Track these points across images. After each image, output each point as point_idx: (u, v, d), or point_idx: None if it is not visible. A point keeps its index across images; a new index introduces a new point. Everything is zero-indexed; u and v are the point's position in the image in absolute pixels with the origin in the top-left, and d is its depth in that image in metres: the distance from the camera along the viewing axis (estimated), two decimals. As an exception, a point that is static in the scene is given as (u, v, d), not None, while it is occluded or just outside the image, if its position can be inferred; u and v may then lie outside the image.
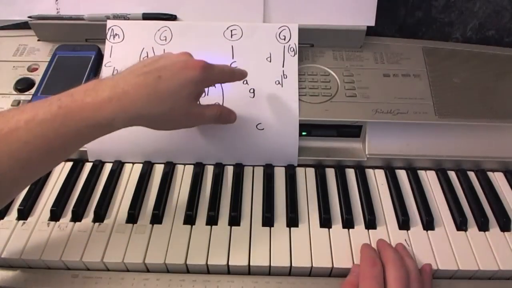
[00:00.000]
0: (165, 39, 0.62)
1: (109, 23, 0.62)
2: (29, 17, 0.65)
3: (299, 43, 0.62)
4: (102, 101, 0.41)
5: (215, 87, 0.59)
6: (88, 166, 0.59)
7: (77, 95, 0.41)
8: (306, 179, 0.58)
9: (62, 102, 0.40)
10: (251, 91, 0.59)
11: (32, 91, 0.60)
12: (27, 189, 0.55)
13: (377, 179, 0.58)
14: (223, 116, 0.54)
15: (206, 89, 0.59)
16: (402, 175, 0.59)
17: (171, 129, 0.51)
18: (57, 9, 0.65)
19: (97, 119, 0.41)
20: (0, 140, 0.38)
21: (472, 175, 0.59)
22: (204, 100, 0.59)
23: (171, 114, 0.46)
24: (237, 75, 0.54)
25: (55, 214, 0.52)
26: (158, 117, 0.46)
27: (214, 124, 0.54)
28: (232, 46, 0.61)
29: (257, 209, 0.54)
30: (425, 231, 0.52)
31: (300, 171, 0.58)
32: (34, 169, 0.41)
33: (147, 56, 0.61)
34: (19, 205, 0.53)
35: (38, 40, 0.67)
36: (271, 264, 0.48)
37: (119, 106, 0.42)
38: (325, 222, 0.52)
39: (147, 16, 0.63)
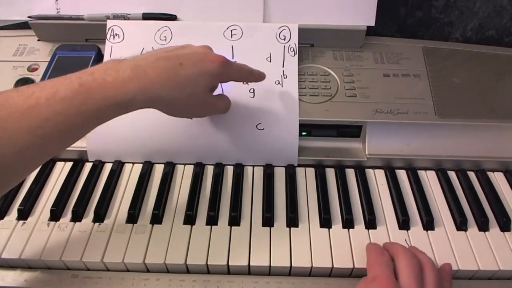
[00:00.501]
0: (165, 39, 0.62)
1: (109, 23, 0.62)
2: (29, 17, 0.65)
3: (299, 43, 0.62)
4: (123, 80, 0.41)
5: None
6: (88, 166, 0.59)
7: (98, 74, 0.41)
8: (306, 179, 0.58)
9: (83, 80, 0.40)
10: (251, 91, 0.59)
11: (32, 91, 0.60)
12: (27, 189, 0.55)
13: (377, 179, 0.58)
14: (225, 110, 0.55)
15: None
16: (402, 175, 0.59)
17: (184, 116, 0.52)
18: (57, 9, 0.65)
19: (118, 98, 0.41)
20: (20, 116, 0.37)
21: (472, 175, 0.59)
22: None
23: (187, 101, 0.47)
24: (255, 75, 0.54)
25: (55, 214, 0.52)
26: (175, 102, 0.46)
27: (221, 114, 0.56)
28: (232, 46, 0.61)
29: (257, 209, 0.54)
30: (425, 231, 0.52)
31: (300, 171, 0.58)
32: (52, 146, 0.41)
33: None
34: (19, 205, 0.53)
35: (38, 40, 0.67)
36: (271, 264, 0.48)
37: (140, 87, 0.42)
38: (325, 222, 0.52)
39: (147, 16, 0.63)
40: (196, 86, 0.46)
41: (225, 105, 0.54)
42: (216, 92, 0.59)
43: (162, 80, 0.44)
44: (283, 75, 0.60)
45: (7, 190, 0.41)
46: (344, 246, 0.50)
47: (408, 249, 0.46)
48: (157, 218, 0.52)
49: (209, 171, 0.58)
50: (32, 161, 0.40)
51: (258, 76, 0.55)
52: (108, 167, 0.59)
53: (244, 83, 0.59)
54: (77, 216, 0.52)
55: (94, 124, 0.43)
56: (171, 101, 0.46)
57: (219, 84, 0.59)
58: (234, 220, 0.52)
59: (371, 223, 0.52)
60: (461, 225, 0.52)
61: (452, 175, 0.59)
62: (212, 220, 0.52)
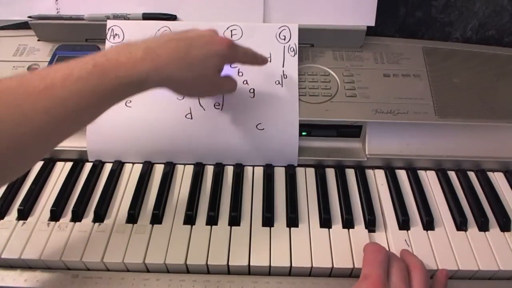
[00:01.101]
0: (165, 39, 0.62)
1: (109, 23, 0.62)
2: (29, 17, 0.65)
3: (299, 43, 0.62)
4: (136, 60, 0.42)
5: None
6: (88, 166, 0.59)
7: (111, 55, 0.42)
8: (306, 179, 0.58)
9: (97, 61, 0.41)
10: (251, 91, 0.59)
11: (32, 91, 0.60)
12: (27, 189, 0.55)
13: (377, 179, 0.58)
14: (231, 90, 0.57)
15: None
16: (402, 175, 0.59)
17: (193, 95, 0.54)
18: (57, 9, 0.65)
19: (132, 78, 0.42)
20: (36, 97, 0.38)
21: (472, 175, 0.59)
22: (203, 100, 0.59)
23: (197, 81, 0.49)
24: (259, 60, 0.56)
25: (55, 214, 0.52)
26: (185, 81, 0.48)
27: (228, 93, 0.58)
28: (232, 46, 0.61)
29: (257, 209, 0.54)
30: (425, 231, 0.52)
31: (300, 171, 0.58)
32: (69, 126, 0.41)
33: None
34: (19, 205, 0.53)
35: (38, 40, 0.67)
36: (271, 264, 0.48)
37: (153, 66, 0.43)
38: (325, 222, 0.52)
39: (147, 16, 0.63)
40: (205, 67, 0.48)
41: (231, 86, 0.56)
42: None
43: (173, 60, 0.45)
44: (283, 75, 0.60)
45: (23, 172, 0.41)
46: (344, 246, 0.50)
47: (422, 263, 0.47)
48: (157, 218, 0.52)
49: (209, 171, 0.58)
50: (49, 141, 0.41)
51: (261, 61, 0.56)
52: (108, 167, 0.59)
53: (244, 83, 0.59)
54: (77, 216, 0.52)
55: (109, 104, 0.43)
56: (181, 81, 0.47)
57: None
58: (234, 220, 0.52)
59: (371, 223, 0.52)
60: (461, 225, 0.52)
61: (452, 175, 0.59)
62: (212, 220, 0.52)
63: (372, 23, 0.63)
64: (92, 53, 0.43)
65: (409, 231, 0.52)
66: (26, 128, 0.37)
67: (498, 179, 0.59)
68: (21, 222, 0.52)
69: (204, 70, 0.48)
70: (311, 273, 0.49)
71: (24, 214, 0.52)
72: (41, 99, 0.38)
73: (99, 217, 0.52)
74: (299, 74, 0.61)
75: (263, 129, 0.58)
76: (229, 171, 0.58)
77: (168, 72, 0.45)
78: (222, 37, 0.50)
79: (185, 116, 0.58)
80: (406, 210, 0.53)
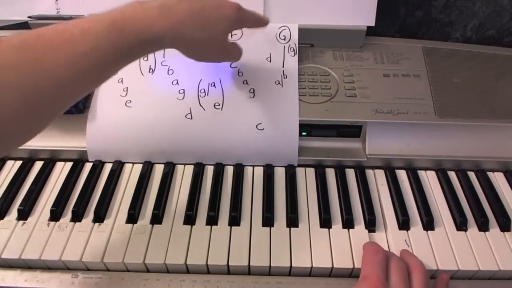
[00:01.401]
0: (165, 39, 0.62)
1: (109, 23, 0.62)
2: (29, 17, 0.65)
3: (299, 43, 0.62)
4: (153, 18, 0.42)
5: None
6: (88, 166, 0.59)
7: (128, 12, 0.42)
8: (306, 179, 0.58)
9: (114, 17, 0.41)
10: (251, 91, 0.59)
11: (32, 91, 0.60)
12: (27, 189, 0.55)
13: (377, 179, 0.58)
14: (238, 57, 0.57)
15: (206, 89, 0.59)
16: (402, 175, 0.59)
17: (202, 59, 0.54)
18: (57, 9, 0.65)
19: (149, 35, 0.42)
20: (57, 51, 0.37)
21: (472, 175, 0.59)
22: (203, 101, 0.59)
23: (208, 43, 0.49)
24: (262, 22, 0.56)
25: (55, 214, 0.52)
26: (197, 43, 0.48)
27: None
28: (232, 46, 0.61)
29: (257, 209, 0.54)
30: (425, 231, 0.52)
31: (300, 171, 0.58)
32: (88, 81, 0.41)
33: (147, 57, 0.61)
34: (19, 205, 0.53)
35: (38, 40, 0.67)
36: (271, 264, 0.48)
37: (168, 24, 0.44)
38: (325, 222, 0.52)
39: (147, 16, 0.63)
40: (217, 29, 0.48)
41: (238, 53, 0.56)
42: (216, 93, 0.59)
43: (187, 20, 0.45)
44: (283, 75, 0.60)
45: (43, 128, 0.40)
46: (344, 246, 0.50)
47: (422, 263, 0.47)
48: (157, 218, 0.52)
49: (209, 171, 0.58)
50: (70, 96, 0.40)
51: (264, 22, 0.56)
52: (108, 167, 0.59)
53: (244, 83, 0.59)
54: (77, 216, 0.52)
55: (126, 61, 0.43)
56: (194, 42, 0.48)
57: (219, 81, 0.59)
58: (234, 220, 0.52)
59: (371, 223, 0.52)
60: (461, 225, 0.52)
61: (452, 175, 0.59)
62: (212, 220, 0.52)
63: (372, 23, 0.63)
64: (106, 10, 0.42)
65: (409, 231, 0.52)
66: (48, 82, 0.37)
67: (498, 179, 0.59)
68: (21, 222, 0.52)
69: (216, 32, 0.48)
70: (311, 273, 0.49)
71: (24, 214, 0.52)
72: (62, 54, 0.37)
73: (99, 217, 0.52)
74: (299, 74, 0.61)
75: (263, 129, 0.58)
76: (229, 171, 0.58)
77: (182, 31, 0.45)
78: (231, 1, 0.50)
79: (185, 116, 0.58)
80: (406, 210, 0.53)
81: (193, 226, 0.51)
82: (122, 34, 0.41)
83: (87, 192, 0.55)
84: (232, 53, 0.56)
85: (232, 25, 0.51)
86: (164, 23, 0.43)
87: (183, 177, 0.57)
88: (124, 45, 0.41)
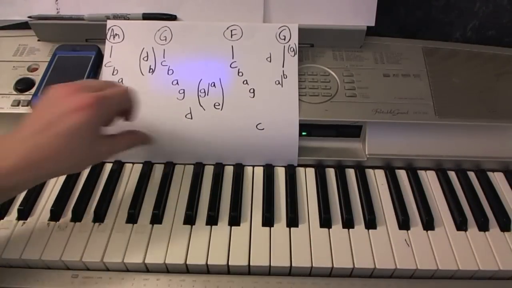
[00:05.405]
0: (165, 39, 0.62)
1: (109, 23, 0.62)
2: (29, 17, 0.65)
3: (299, 43, 0.62)
4: (6, 171, 0.40)
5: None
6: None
7: None
8: (306, 179, 0.58)
9: None
10: (251, 91, 0.59)
11: (32, 91, 0.60)
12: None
13: (377, 179, 0.58)
14: (137, 143, 0.53)
15: (206, 89, 0.59)
16: (402, 175, 0.59)
17: (82, 169, 0.51)
18: (57, 9, 0.65)
19: (2, 186, 0.41)
20: None
21: (472, 175, 0.59)
22: (203, 100, 0.59)
23: (82, 163, 0.46)
24: (132, 101, 0.50)
25: (55, 214, 0.52)
26: (69, 170, 0.47)
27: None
28: (232, 46, 0.61)
29: (257, 209, 0.54)
30: (425, 231, 0.52)
31: (300, 171, 0.58)
32: None
33: (147, 57, 0.61)
34: (19, 205, 0.53)
35: (38, 40, 0.67)
36: (271, 264, 0.48)
37: (24, 173, 0.41)
38: (325, 222, 0.52)
39: (147, 16, 0.63)
40: (80, 151, 0.44)
41: (126, 145, 0.51)
42: (216, 93, 0.59)
43: (45, 161, 0.42)
44: (283, 75, 0.60)
45: None
46: (344, 246, 0.50)
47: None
48: (157, 218, 0.52)
49: (209, 171, 0.58)
50: None
51: (135, 110, 0.51)
52: (108, 167, 0.58)
53: (244, 83, 0.59)
54: (77, 216, 0.52)
55: None
56: (63, 173, 0.47)
57: (219, 81, 0.59)
58: (234, 220, 0.52)
59: (371, 223, 0.52)
60: (461, 225, 0.52)
61: (452, 175, 0.59)
62: (212, 220, 0.52)
63: (372, 23, 0.63)
64: None
65: (409, 231, 0.52)
66: None
67: (498, 179, 0.59)
68: (21, 222, 0.52)
69: (80, 153, 0.44)
70: (311, 273, 0.49)
71: (24, 214, 0.52)
72: None
73: (99, 217, 0.52)
74: (299, 74, 0.61)
75: (263, 129, 0.58)
76: (229, 171, 0.58)
77: (40, 176, 0.43)
78: (81, 98, 0.43)
79: (185, 116, 0.58)
80: (406, 210, 0.53)
81: (193, 226, 0.51)
82: None
83: (87, 192, 0.55)
84: (115, 149, 0.50)
85: (93, 128, 0.44)
86: (17, 176, 0.41)
87: (183, 177, 0.57)
88: None
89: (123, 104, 0.49)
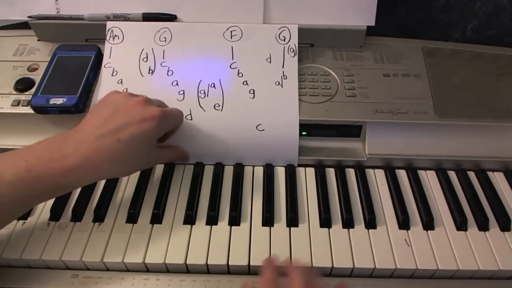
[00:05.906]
0: (165, 40, 0.62)
1: (109, 24, 0.62)
2: (29, 17, 0.65)
3: (299, 43, 0.62)
4: (68, 168, 0.43)
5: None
6: (88, 166, 0.59)
7: (43, 158, 0.43)
8: (306, 179, 0.58)
9: (29, 164, 0.42)
10: (251, 91, 0.59)
11: (32, 91, 0.60)
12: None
13: (377, 179, 0.58)
14: (179, 158, 0.58)
15: (206, 90, 0.59)
16: (402, 175, 0.59)
17: (134, 172, 0.54)
18: (57, 9, 0.65)
19: (63, 183, 0.44)
20: None
21: (472, 175, 0.59)
22: (203, 101, 0.59)
23: (134, 168, 0.52)
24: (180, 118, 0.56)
25: (55, 214, 0.52)
26: (122, 174, 0.52)
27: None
28: (232, 47, 0.61)
29: (257, 209, 0.54)
30: (425, 231, 0.52)
31: (300, 171, 0.58)
32: None
33: (147, 58, 0.61)
34: (19, 205, 0.53)
35: (38, 40, 0.67)
36: (271, 264, 0.48)
37: (83, 172, 0.45)
38: (325, 222, 0.52)
39: (147, 16, 0.63)
40: (139, 155, 0.48)
41: (171, 157, 0.57)
42: (216, 94, 0.59)
43: (103, 163, 0.45)
44: (283, 76, 0.60)
45: None
46: (344, 246, 0.50)
47: (304, 268, 0.42)
48: (157, 218, 0.52)
49: (209, 171, 0.58)
50: None
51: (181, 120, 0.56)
52: (108, 167, 0.58)
53: (244, 83, 0.59)
54: (77, 216, 0.52)
55: (38, 203, 0.47)
56: (118, 175, 0.52)
57: (219, 82, 0.59)
58: (234, 220, 0.52)
59: (371, 223, 0.52)
60: (461, 225, 0.52)
61: (452, 175, 0.59)
62: (212, 220, 0.52)
63: (372, 23, 0.63)
64: (25, 148, 0.44)
65: (409, 231, 0.52)
66: None
67: (498, 179, 0.59)
68: (21, 222, 0.52)
69: (139, 158, 0.49)
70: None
71: (24, 214, 0.52)
72: None
73: (99, 217, 0.52)
74: (299, 74, 0.61)
75: (263, 129, 0.58)
76: (229, 171, 0.58)
77: (100, 175, 0.48)
78: (151, 110, 0.48)
79: (185, 117, 0.58)
80: (406, 210, 0.53)
81: (193, 226, 0.51)
82: (35, 184, 0.42)
83: (87, 192, 0.55)
84: (163, 158, 0.56)
85: (156, 137, 0.50)
86: (78, 173, 0.44)
87: (183, 177, 0.57)
88: (35, 192, 0.43)
89: (177, 122, 0.55)
